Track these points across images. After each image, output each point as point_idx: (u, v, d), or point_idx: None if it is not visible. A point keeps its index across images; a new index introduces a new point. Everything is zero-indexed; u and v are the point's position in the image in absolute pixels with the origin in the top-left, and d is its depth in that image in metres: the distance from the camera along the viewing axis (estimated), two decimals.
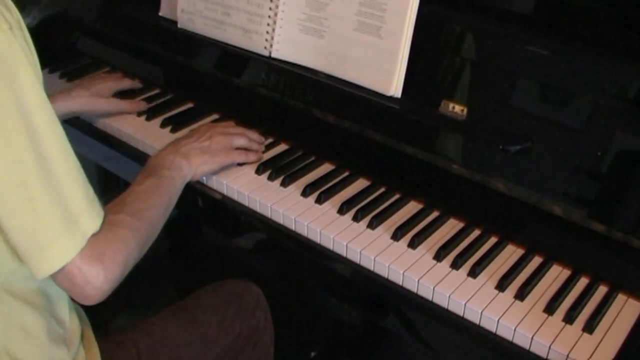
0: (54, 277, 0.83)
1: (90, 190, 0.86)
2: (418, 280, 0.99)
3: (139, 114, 1.40)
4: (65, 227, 0.81)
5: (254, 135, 1.26)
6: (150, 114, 1.39)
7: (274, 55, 1.29)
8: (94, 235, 0.85)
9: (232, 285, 1.24)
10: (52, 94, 1.26)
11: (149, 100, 1.47)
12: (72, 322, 0.98)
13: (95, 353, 1.01)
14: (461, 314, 0.97)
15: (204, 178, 1.22)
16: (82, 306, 1.06)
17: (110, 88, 1.41)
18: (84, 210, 0.84)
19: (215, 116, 1.40)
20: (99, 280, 0.84)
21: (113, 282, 0.86)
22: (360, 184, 1.20)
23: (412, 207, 1.15)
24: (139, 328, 1.11)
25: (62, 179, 0.81)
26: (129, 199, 0.97)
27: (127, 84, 1.47)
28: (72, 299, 0.92)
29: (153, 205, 0.98)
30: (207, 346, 1.14)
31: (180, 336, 1.12)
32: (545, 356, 0.90)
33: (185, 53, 1.43)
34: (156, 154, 1.12)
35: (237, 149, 1.21)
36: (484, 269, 1.02)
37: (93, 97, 1.34)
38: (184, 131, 1.33)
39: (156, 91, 1.50)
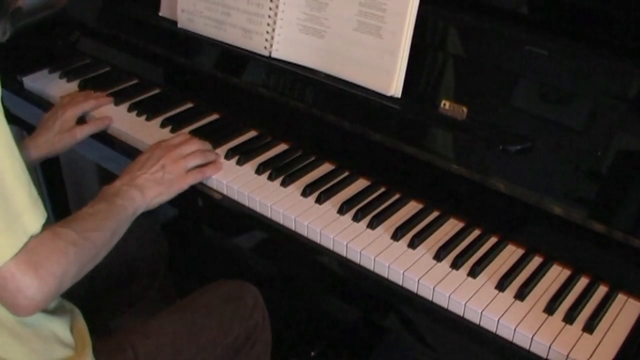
0: None
1: (33, 189, 0.85)
2: (418, 280, 0.99)
3: (139, 114, 1.40)
4: (7, 223, 0.80)
5: (207, 145, 1.24)
6: (150, 114, 1.39)
7: (274, 55, 1.29)
8: (34, 238, 0.84)
9: (229, 286, 1.23)
10: (19, 142, 1.25)
11: (149, 100, 1.47)
12: (61, 322, 0.97)
13: (88, 353, 1.00)
14: (461, 314, 0.97)
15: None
16: (80, 307, 1.06)
17: (73, 117, 1.33)
18: (27, 208, 0.83)
19: (215, 116, 1.40)
20: (32, 289, 0.82)
21: (47, 294, 0.85)
22: (360, 184, 1.20)
23: (412, 207, 1.15)
24: (136, 330, 1.11)
25: (5, 175, 0.81)
26: (78, 218, 0.96)
27: (90, 104, 1.38)
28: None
29: (100, 228, 0.97)
30: (206, 347, 1.14)
31: (178, 338, 1.12)
32: (545, 356, 0.90)
33: (185, 53, 1.43)
34: (111, 184, 1.10)
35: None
36: (484, 269, 1.02)
37: (58, 136, 1.29)
38: (184, 131, 1.34)
39: (156, 91, 1.50)
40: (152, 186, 1.11)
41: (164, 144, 1.20)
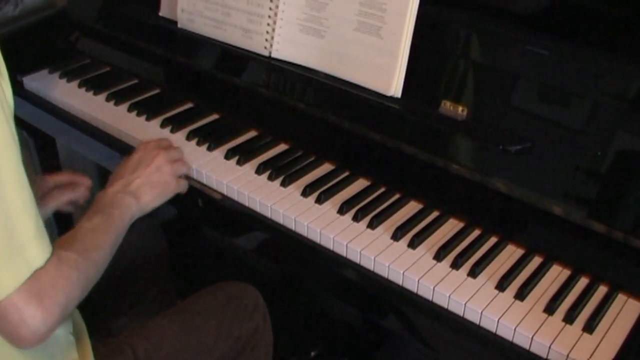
0: None
1: (40, 223, 0.82)
2: (418, 280, 0.99)
3: (139, 114, 1.40)
4: (10, 255, 0.77)
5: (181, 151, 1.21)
6: (150, 114, 1.39)
7: (274, 55, 1.29)
8: (38, 270, 0.80)
9: (230, 288, 1.23)
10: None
11: (149, 100, 1.47)
12: (61, 323, 0.97)
13: (88, 354, 1.00)
14: (461, 314, 0.97)
15: (204, 178, 1.22)
16: (81, 308, 1.06)
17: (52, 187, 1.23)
18: (32, 240, 0.80)
19: (215, 116, 1.40)
20: (36, 321, 0.78)
21: (51, 325, 0.81)
22: (360, 184, 1.20)
23: (412, 207, 1.15)
24: (137, 332, 1.10)
25: (12, 204, 0.78)
26: (79, 235, 0.94)
27: (76, 194, 1.25)
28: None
29: (101, 245, 0.95)
30: (206, 350, 1.13)
31: (179, 340, 1.11)
32: (545, 356, 0.90)
33: (185, 53, 1.43)
34: (106, 190, 1.07)
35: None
36: (484, 269, 1.02)
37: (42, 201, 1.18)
38: (184, 131, 1.34)
39: (156, 91, 1.50)
40: (147, 190, 1.09)
41: (155, 144, 1.17)
